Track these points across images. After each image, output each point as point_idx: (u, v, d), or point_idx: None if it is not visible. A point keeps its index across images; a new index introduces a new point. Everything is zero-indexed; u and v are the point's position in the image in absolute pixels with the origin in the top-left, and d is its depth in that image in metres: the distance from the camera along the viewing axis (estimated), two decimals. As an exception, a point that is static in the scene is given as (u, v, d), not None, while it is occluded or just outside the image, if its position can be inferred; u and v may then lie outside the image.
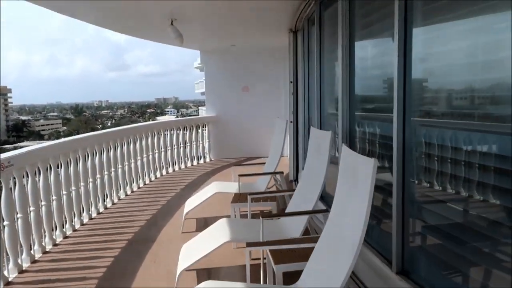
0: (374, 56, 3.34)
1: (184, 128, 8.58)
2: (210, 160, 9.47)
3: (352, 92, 3.54)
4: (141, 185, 6.89)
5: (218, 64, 9.46)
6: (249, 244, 2.54)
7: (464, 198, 2.13)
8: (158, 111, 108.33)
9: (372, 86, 3.46)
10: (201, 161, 9.20)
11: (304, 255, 2.44)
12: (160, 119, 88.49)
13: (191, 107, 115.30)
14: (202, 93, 38.97)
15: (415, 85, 2.52)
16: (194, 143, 8.90)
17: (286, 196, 4.54)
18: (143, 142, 7.06)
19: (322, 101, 4.94)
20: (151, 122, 7.57)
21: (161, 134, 7.76)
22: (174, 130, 8.25)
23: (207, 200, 4.59)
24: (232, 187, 4.91)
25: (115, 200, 5.88)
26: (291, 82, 6.62)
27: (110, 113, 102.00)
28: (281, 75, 9.55)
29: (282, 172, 4.69)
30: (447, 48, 2.33)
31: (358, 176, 2.02)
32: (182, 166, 8.53)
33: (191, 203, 4.71)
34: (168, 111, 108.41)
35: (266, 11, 5.52)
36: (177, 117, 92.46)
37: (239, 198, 4.38)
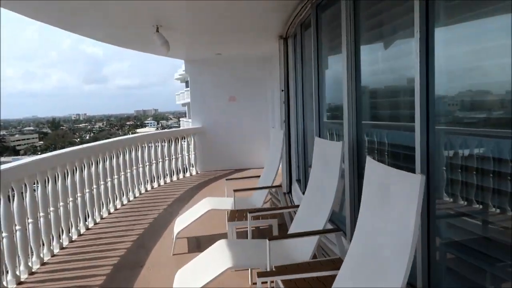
0: (385, 59, 3.11)
1: (169, 141, 8.19)
2: (197, 173, 9.09)
3: (358, 98, 3.29)
4: (125, 202, 6.47)
5: (203, 73, 9.16)
6: (261, 274, 2.21)
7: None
8: (138, 123, 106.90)
9: (382, 92, 3.21)
10: (187, 174, 8.81)
11: (318, 281, 2.13)
12: (140, 131, 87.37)
13: (171, 119, 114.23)
14: (183, 104, 38.57)
15: (439, 89, 2.27)
16: (179, 155, 8.52)
17: (285, 212, 4.23)
18: (126, 156, 6.65)
19: (321, 109, 4.68)
20: (134, 135, 7.06)
21: (145, 147, 7.36)
22: (158, 143, 7.86)
23: (200, 218, 4.23)
24: (226, 203, 4.58)
25: (98, 220, 5.45)
26: (282, 90, 6.36)
27: (88, 127, 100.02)
28: (268, 84, 9.31)
29: (280, 186, 4.38)
30: (478, 48, 2.10)
31: (393, 193, 1.74)
32: (168, 180, 8.13)
33: (182, 222, 4.34)
34: (148, 123, 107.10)
35: (255, 17, 5.27)
36: (157, 129, 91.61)
37: (236, 215, 4.04)
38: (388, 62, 3.07)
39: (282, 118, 6.46)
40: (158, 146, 7.80)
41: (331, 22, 4.11)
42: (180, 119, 43.34)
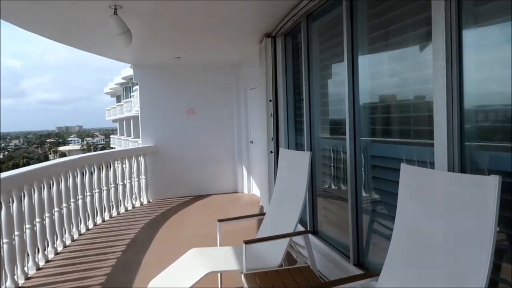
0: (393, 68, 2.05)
1: (107, 165, 6.48)
2: (148, 201, 7.46)
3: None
4: (50, 257, 4.75)
5: (157, 81, 7.64)
6: None
7: None
8: (60, 140, 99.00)
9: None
10: (137, 204, 7.16)
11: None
12: (62, 149, 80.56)
13: (97, 136, 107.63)
14: (114, 120, 35.79)
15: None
16: (127, 181, 6.86)
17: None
18: (53, 190, 4.93)
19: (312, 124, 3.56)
20: (63, 159, 5.24)
21: (76, 175, 5.59)
22: (94, 169, 6.13)
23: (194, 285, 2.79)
24: (229, 260, 3.16)
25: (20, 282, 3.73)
26: (270, 100, 5.14)
27: (2, 144, 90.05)
28: (234, 95, 8.04)
29: (308, 232, 3.08)
30: None
31: None
32: (114, 213, 6.44)
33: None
34: (71, 140, 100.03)
35: (237, 7, 4.03)
36: (82, 146, 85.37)
37: (256, 281, 2.66)
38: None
39: (268, 136, 5.22)
40: (94, 171, 6.09)
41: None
42: (111, 136, 40.13)
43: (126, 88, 31.20)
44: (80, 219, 5.53)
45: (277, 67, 5.13)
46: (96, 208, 5.99)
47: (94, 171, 5.99)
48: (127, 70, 27.16)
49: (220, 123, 8.01)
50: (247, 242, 2.74)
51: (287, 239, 2.91)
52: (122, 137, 31.12)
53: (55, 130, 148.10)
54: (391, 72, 2.84)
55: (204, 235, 5.18)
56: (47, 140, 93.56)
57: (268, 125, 5.18)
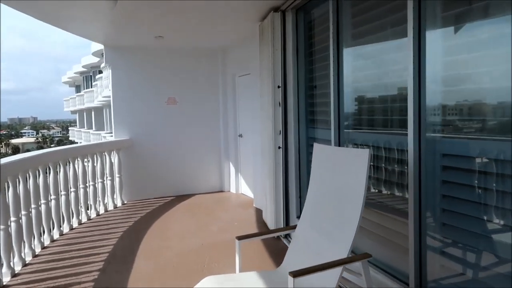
0: None
1: (74, 163, 5.46)
2: (123, 203, 6.49)
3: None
4: (6, 279, 3.77)
5: (132, 65, 6.64)
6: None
7: None
8: (12, 133, 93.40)
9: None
10: (110, 206, 6.17)
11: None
12: (15, 142, 75.82)
13: (53, 128, 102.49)
14: (74, 112, 33.71)
15: None
16: (99, 180, 5.87)
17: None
18: (9, 194, 3.95)
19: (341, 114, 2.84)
20: (20, 156, 4.19)
21: (38, 174, 4.57)
22: (59, 166, 5.12)
23: None
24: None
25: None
26: (278, 87, 4.35)
27: None
28: (219, 84, 7.17)
29: (369, 255, 2.32)
30: None
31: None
32: (84, 218, 5.46)
33: None
34: (25, 132, 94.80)
35: None
36: (36, 139, 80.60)
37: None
38: None
39: (274, 128, 4.43)
40: (59, 170, 5.08)
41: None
42: (70, 128, 37.78)
43: (86, 77, 29.31)
44: (43, 228, 4.54)
45: (286, 47, 4.34)
46: (62, 214, 4.99)
47: (59, 170, 4.99)
48: (88, 58, 25.42)
49: (204, 114, 7.13)
50: (295, 275, 1.98)
51: (340, 268, 2.16)
52: (82, 130, 29.24)
53: (7, 121, 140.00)
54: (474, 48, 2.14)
55: (196, 247, 4.35)
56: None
57: (275, 116, 4.39)
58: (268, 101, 4.51)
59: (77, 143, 31.78)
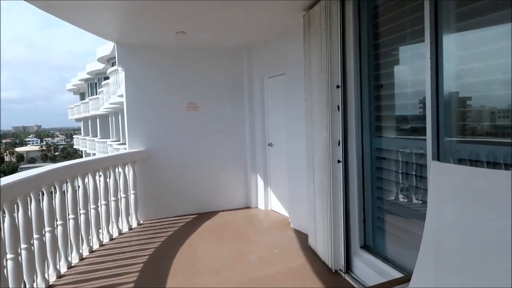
0: None
1: (84, 180, 4.65)
2: (138, 223, 5.67)
3: None
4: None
5: (148, 67, 5.85)
6: None
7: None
8: (17, 141, 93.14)
9: None
10: (125, 228, 5.36)
11: None
12: (19, 150, 75.35)
13: (57, 136, 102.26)
14: (78, 120, 33.07)
15: None
16: (112, 198, 5.06)
17: None
18: (5, 225, 3.15)
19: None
20: (19, 176, 3.32)
21: (41, 197, 3.77)
22: (67, 184, 4.32)
23: None
24: None
25: None
26: (337, 87, 3.54)
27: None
28: (245, 86, 6.38)
29: None
30: None
31: None
32: (95, 245, 4.65)
33: None
34: (29, 141, 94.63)
35: None
36: (41, 147, 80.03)
37: None
38: None
39: (332, 137, 3.61)
40: (66, 189, 4.28)
41: None
42: (74, 136, 37.08)
43: (91, 85, 28.66)
44: (48, 261, 3.73)
45: (345, 38, 3.54)
46: (71, 241, 4.19)
47: (67, 189, 4.19)
48: (93, 65, 24.74)
49: (228, 120, 6.33)
50: None
51: None
52: (87, 138, 28.53)
53: (11, 130, 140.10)
54: None
55: (236, 285, 3.52)
56: (3, 141, 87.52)
57: (333, 123, 3.57)
58: (321, 105, 3.69)
59: (81, 151, 31.12)
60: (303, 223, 4.87)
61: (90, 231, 4.59)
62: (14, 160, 68.13)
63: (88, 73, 26.82)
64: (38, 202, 3.55)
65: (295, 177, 5.12)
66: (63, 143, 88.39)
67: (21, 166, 63.32)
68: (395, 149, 3.21)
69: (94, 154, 24.36)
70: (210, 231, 5.21)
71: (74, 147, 36.28)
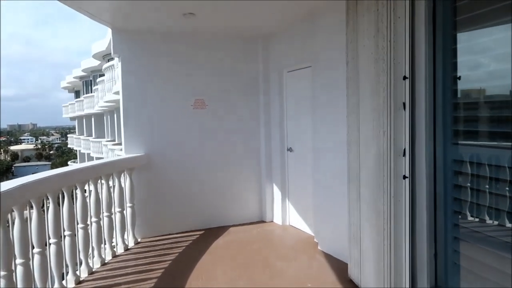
0: None
1: (71, 194, 3.78)
2: (136, 242, 4.80)
3: None
4: None
5: (148, 56, 4.98)
6: None
7: None
8: (12, 139, 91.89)
9: None
10: (120, 249, 4.49)
11: None
12: (14, 148, 74.05)
13: (53, 135, 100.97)
14: (73, 118, 32.10)
15: None
16: (105, 214, 4.20)
17: None
18: None
19: None
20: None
21: (11, 220, 2.91)
22: (48, 200, 3.45)
23: None
24: None
25: None
26: (404, 78, 2.68)
27: None
28: (260, 82, 5.52)
29: None
30: None
31: None
32: (83, 273, 3.77)
33: None
34: (24, 139, 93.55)
35: None
36: (36, 146, 78.63)
37: None
38: None
39: (394, 145, 2.75)
40: (46, 209, 3.42)
41: None
42: (68, 135, 36.04)
43: (86, 82, 27.70)
44: (19, 305, 2.85)
45: (415, 14, 2.68)
46: (51, 272, 3.31)
47: (46, 208, 3.32)
48: (88, 61, 23.77)
49: (240, 120, 5.47)
50: None
51: None
52: (81, 137, 27.55)
53: (6, 128, 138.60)
54: None
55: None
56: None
57: (395, 126, 2.72)
58: (376, 102, 2.84)
59: (76, 150, 30.10)
60: (337, 246, 4.01)
61: (77, 257, 3.72)
62: (8, 158, 66.85)
63: (83, 70, 25.86)
64: (5, 228, 2.68)
65: (324, 190, 4.26)
66: (59, 141, 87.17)
67: (16, 165, 62.16)
68: (481, 161, 2.38)
69: (88, 154, 23.42)
70: (223, 254, 4.34)
71: (69, 146, 35.27)
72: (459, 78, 2.58)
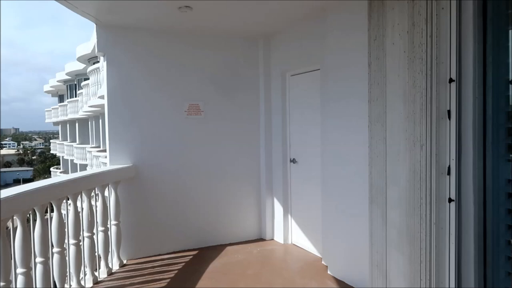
0: None
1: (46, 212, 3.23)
2: (121, 265, 4.25)
3: None
4: None
5: (137, 55, 4.47)
6: None
7: None
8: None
9: None
10: (103, 273, 3.94)
11: None
12: (-6, 154, 71.86)
13: (36, 140, 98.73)
14: (56, 123, 31.13)
15: None
16: (86, 234, 3.66)
17: None
18: None
19: None
20: None
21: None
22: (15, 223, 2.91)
23: None
24: None
25: None
26: (451, 80, 2.24)
27: None
28: (261, 86, 5.06)
29: None
30: None
31: None
32: (58, 307, 3.22)
33: None
34: (5, 144, 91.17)
35: None
36: (17, 150, 76.57)
37: None
38: None
39: (436, 161, 2.31)
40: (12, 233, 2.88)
41: None
42: (51, 141, 34.95)
43: (70, 86, 26.87)
44: None
45: (461, 6, 2.25)
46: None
47: (12, 231, 2.77)
48: (73, 65, 23.03)
49: (239, 128, 5.00)
50: None
51: None
52: (65, 143, 26.65)
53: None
54: None
55: None
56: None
57: (438, 138, 2.27)
58: (411, 109, 2.40)
59: (59, 156, 29.10)
60: (352, 273, 3.55)
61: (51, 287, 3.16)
62: (-12, 164, 64.82)
63: (67, 74, 25.06)
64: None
65: (336, 207, 3.80)
66: (41, 147, 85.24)
67: (-4, 170, 60.27)
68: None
69: (72, 160, 22.57)
70: (221, 280, 3.83)
71: (52, 152, 34.21)
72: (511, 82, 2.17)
